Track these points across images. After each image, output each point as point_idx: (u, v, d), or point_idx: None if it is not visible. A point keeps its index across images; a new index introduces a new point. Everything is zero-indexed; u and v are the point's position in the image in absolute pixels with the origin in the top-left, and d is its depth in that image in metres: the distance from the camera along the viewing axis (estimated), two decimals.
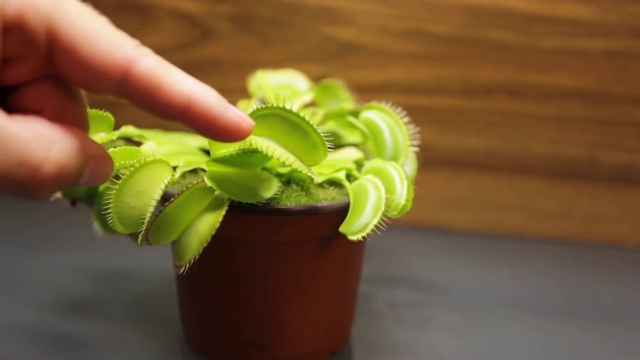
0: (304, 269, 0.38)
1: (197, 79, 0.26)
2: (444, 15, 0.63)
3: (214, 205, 0.33)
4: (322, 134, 0.32)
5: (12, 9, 0.23)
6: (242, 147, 0.31)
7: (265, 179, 0.35)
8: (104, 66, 0.24)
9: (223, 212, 0.33)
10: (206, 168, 0.34)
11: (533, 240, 0.67)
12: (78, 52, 0.23)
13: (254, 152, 0.31)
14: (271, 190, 0.34)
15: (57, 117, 0.25)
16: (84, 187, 0.39)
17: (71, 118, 0.26)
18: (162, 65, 0.25)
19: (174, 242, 0.34)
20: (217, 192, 0.33)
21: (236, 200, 0.33)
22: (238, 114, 0.27)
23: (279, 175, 0.37)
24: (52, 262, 0.56)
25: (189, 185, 0.33)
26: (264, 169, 0.36)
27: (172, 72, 0.25)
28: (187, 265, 0.33)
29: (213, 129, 0.26)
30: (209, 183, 0.32)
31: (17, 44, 0.23)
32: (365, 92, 0.59)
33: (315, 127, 0.31)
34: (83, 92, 0.27)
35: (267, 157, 0.33)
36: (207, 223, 0.33)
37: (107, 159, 0.27)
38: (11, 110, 0.24)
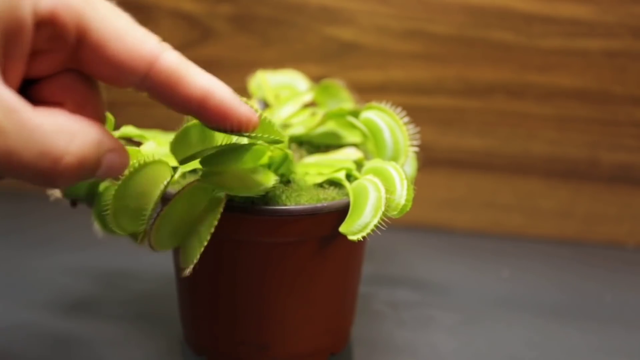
0: (304, 269, 0.38)
1: None
2: (444, 15, 0.63)
3: (212, 205, 0.33)
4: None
5: (46, 4, 0.24)
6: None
7: (260, 172, 0.35)
8: (131, 61, 0.25)
9: (220, 209, 0.33)
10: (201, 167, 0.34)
11: (533, 240, 0.67)
12: (107, 48, 0.25)
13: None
14: (268, 182, 0.34)
15: (77, 109, 0.26)
16: (85, 188, 0.39)
17: (90, 111, 0.27)
18: (182, 61, 0.27)
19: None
20: (213, 190, 0.33)
21: (233, 194, 0.33)
22: (249, 108, 0.29)
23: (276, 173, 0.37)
24: (52, 262, 0.56)
25: (185, 185, 0.33)
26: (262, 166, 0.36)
27: (191, 67, 0.27)
28: (191, 267, 0.33)
29: (227, 121, 0.28)
30: (203, 181, 0.32)
31: (46, 38, 0.24)
32: (365, 92, 0.59)
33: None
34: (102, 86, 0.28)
35: (261, 153, 0.33)
36: (206, 223, 0.33)
37: (124, 152, 0.27)
38: (34, 102, 0.25)
